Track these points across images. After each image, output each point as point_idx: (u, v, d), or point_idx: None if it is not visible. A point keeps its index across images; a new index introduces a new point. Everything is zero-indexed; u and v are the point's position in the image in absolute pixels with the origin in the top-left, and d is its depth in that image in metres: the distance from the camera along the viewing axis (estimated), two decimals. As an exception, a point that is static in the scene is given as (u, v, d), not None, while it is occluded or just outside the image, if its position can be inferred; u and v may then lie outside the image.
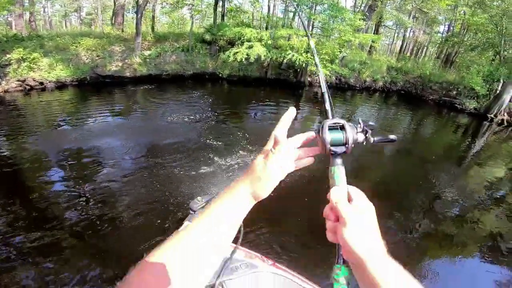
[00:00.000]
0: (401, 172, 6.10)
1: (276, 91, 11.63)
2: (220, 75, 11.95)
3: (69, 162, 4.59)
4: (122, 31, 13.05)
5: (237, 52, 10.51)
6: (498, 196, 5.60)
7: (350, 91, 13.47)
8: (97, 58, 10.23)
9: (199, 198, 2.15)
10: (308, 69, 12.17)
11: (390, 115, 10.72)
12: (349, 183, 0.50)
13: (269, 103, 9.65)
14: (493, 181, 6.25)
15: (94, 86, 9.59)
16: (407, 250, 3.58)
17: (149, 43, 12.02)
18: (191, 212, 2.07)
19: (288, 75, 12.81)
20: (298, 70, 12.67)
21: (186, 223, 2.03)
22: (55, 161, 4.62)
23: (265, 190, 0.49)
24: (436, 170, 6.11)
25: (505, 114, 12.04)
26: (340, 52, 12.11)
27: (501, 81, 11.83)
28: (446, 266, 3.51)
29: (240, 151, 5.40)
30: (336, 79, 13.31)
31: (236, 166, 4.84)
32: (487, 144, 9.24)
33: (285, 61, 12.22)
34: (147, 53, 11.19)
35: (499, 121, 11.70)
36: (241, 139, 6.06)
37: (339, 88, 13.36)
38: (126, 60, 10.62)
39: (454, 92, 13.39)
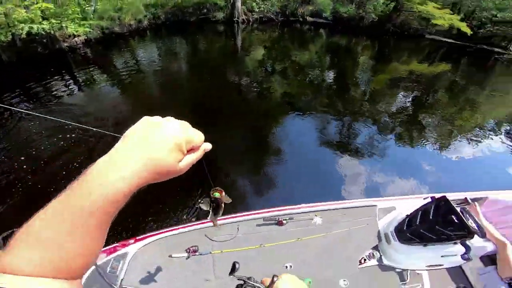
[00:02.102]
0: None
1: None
2: None
3: None
4: None
5: None
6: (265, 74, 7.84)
7: (122, 40, 12.22)
8: None
9: None
10: (59, 34, 9.57)
11: (174, 46, 11.07)
12: None
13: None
14: (258, 60, 8.60)
15: None
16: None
17: None
18: None
19: (36, 49, 9.56)
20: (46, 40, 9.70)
21: None
22: None
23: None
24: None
25: (243, 14, 15.57)
26: (89, 6, 10.24)
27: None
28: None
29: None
30: (102, 33, 11.47)
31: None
32: (244, 38, 12.04)
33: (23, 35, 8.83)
34: None
35: (242, 21, 15.11)
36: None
37: (109, 40, 11.74)
38: None
39: (205, 10, 15.30)
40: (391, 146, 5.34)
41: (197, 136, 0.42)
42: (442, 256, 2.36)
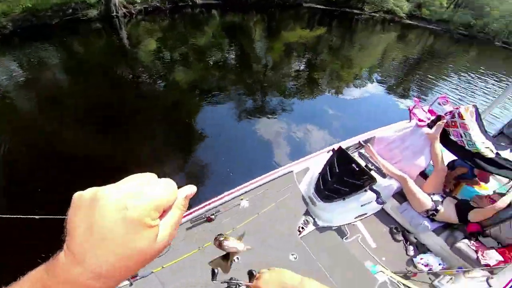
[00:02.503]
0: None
1: None
2: None
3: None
4: None
5: None
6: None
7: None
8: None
9: None
10: None
11: (38, 54, 8.91)
12: None
13: None
14: (153, 52, 7.85)
15: None
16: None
17: None
18: None
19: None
20: None
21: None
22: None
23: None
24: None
25: (122, 8, 13.73)
26: None
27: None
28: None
29: None
30: None
31: None
32: (130, 33, 10.74)
33: None
34: None
35: (123, 15, 13.34)
36: None
37: None
38: None
39: (70, 10, 12.79)
40: (297, 106, 5.91)
41: (164, 190, 0.28)
42: (362, 206, 2.39)
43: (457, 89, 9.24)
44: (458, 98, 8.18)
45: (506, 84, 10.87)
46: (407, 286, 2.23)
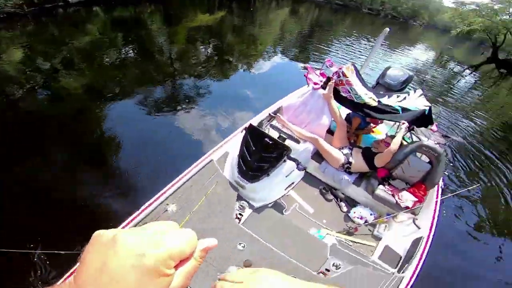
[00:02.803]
0: None
1: None
2: None
3: None
4: None
5: None
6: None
7: None
8: None
9: None
10: None
11: None
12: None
13: None
14: (23, 63, 6.16)
15: None
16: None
17: None
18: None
19: None
20: None
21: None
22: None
23: None
24: None
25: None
26: None
27: None
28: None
29: None
30: None
31: None
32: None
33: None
34: None
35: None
36: None
37: None
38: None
39: None
40: (210, 91, 5.76)
41: (183, 241, 0.28)
42: (287, 176, 2.43)
43: (339, 52, 10.88)
44: (341, 59, 9.62)
45: (374, 43, 13.52)
46: (355, 242, 2.33)
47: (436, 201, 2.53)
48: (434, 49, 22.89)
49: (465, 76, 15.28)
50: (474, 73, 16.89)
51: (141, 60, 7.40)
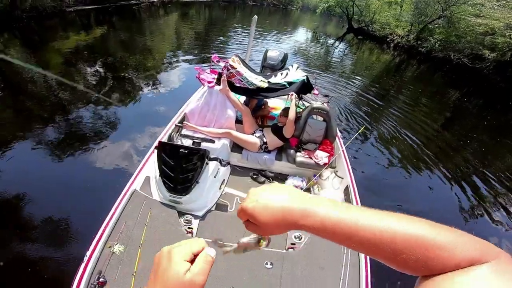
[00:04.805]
0: None
1: None
2: None
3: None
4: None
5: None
6: None
7: None
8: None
9: None
10: None
11: None
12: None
13: None
14: None
15: None
16: None
17: None
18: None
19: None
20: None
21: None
22: None
23: None
24: None
25: None
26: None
27: None
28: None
29: None
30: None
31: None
32: None
33: None
34: None
35: None
36: None
37: None
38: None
39: None
40: (112, 116, 5.00)
41: (194, 245, 0.42)
42: (215, 177, 2.43)
43: (224, 46, 11.36)
44: (227, 52, 10.06)
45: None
46: None
47: (343, 150, 2.87)
48: (310, 28, 26.46)
49: (336, 46, 18.35)
50: (341, 42, 20.45)
51: (12, 97, 5.74)
